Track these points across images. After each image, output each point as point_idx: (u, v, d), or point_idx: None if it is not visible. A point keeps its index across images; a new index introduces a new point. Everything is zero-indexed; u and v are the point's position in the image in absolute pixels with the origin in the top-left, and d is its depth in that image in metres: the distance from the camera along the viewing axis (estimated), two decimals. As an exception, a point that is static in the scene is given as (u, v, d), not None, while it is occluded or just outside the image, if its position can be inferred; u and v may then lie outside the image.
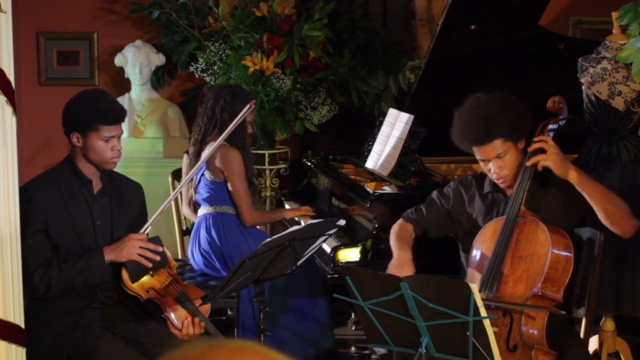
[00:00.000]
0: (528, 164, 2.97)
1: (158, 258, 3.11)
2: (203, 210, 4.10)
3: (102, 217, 3.16)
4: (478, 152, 3.03)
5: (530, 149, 2.99)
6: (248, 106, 3.49)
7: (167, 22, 5.42)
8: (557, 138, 3.23)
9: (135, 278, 3.12)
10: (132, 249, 3.07)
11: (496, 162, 3.00)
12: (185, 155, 4.56)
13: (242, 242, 3.95)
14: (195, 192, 4.13)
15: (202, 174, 4.04)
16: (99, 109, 3.09)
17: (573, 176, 2.92)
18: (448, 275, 3.10)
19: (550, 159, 2.94)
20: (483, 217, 3.12)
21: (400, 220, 3.32)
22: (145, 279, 3.15)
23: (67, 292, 3.04)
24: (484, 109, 2.96)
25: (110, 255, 3.07)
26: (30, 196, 2.99)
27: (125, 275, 3.11)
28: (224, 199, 4.02)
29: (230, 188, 3.99)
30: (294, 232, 3.14)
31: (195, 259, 4.08)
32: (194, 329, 3.14)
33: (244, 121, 3.98)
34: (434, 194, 3.29)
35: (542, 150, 2.97)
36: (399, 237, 3.24)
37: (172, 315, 3.15)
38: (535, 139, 2.99)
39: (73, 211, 3.10)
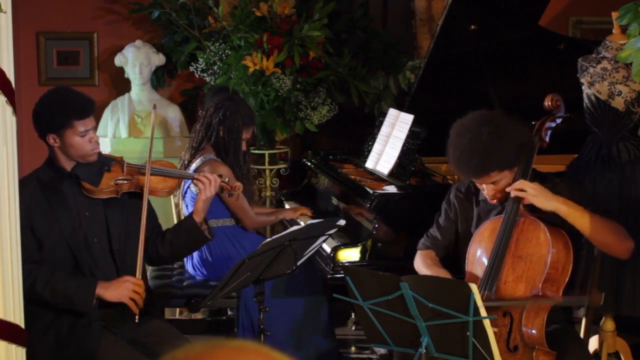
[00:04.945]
0: (512, 195, 2.93)
1: (141, 305, 3.09)
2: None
3: (90, 209, 3.16)
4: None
5: (509, 191, 2.95)
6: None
7: (167, 22, 5.42)
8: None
9: (95, 181, 3.13)
10: (125, 290, 3.06)
11: (489, 186, 3.00)
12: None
13: (233, 251, 3.94)
14: (184, 204, 4.10)
15: (189, 187, 4.00)
16: (70, 105, 3.10)
17: (560, 209, 2.88)
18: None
19: (529, 198, 2.90)
20: (479, 219, 3.12)
21: (418, 253, 3.25)
22: (106, 176, 3.16)
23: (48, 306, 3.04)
24: (481, 144, 2.87)
25: (101, 289, 3.05)
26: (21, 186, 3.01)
27: (88, 186, 3.12)
28: (210, 212, 3.93)
29: (226, 203, 3.97)
30: (294, 232, 3.14)
31: (190, 273, 4.07)
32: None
33: (238, 139, 3.98)
34: (439, 213, 3.27)
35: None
36: (426, 263, 3.18)
37: (155, 187, 3.24)
38: (510, 189, 2.93)
39: (57, 208, 3.10)
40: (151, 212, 3.33)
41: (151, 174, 3.22)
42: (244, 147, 4.05)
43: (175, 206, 4.60)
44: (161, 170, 3.29)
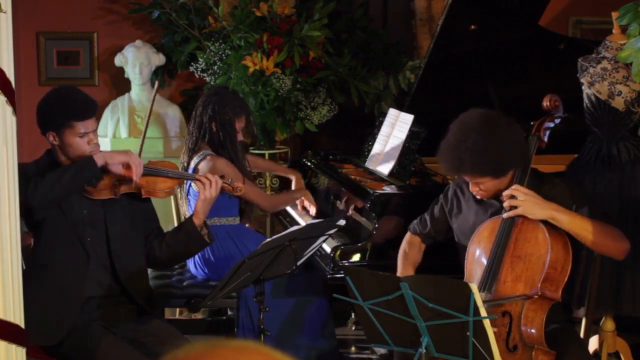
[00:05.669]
0: (504, 216, 2.93)
1: (135, 177, 3.12)
2: None
3: (88, 208, 3.16)
4: None
5: (504, 203, 2.95)
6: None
7: (167, 22, 5.42)
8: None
9: (95, 183, 3.14)
10: (130, 156, 3.11)
11: (472, 184, 3.02)
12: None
13: (235, 251, 3.93)
14: (187, 202, 4.10)
15: (190, 185, 3.99)
16: (71, 106, 3.11)
17: (553, 216, 2.88)
18: (449, 275, 3.10)
19: (522, 209, 2.89)
20: (478, 219, 3.12)
21: (407, 235, 3.35)
22: (105, 177, 3.15)
23: (59, 195, 3.03)
24: (465, 151, 2.89)
25: (103, 154, 3.09)
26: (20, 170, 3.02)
27: (86, 187, 3.12)
28: (213, 211, 3.79)
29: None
30: (294, 232, 3.14)
31: (192, 272, 4.07)
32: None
33: (232, 130, 3.96)
34: (436, 201, 3.29)
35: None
36: (404, 256, 3.27)
37: (153, 188, 3.22)
38: (505, 196, 2.94)
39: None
40: (152, 213, 3.33)
41: (150, 175, 3.22)
42: (241, 137, 4.02)
43: (175, 207, 4.60)
44: (159, 171, 3.28)
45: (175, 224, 4.50)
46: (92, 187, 3.13)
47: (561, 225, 2.89)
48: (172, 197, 4.59)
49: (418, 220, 3.35)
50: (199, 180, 3.30)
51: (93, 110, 3.15)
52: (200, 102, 4.05)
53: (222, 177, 3.36)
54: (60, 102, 3.13)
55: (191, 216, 3.32)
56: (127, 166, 3.12)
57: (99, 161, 3.06)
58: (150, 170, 3.24)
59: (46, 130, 3.13)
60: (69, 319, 3.09)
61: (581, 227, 2.88)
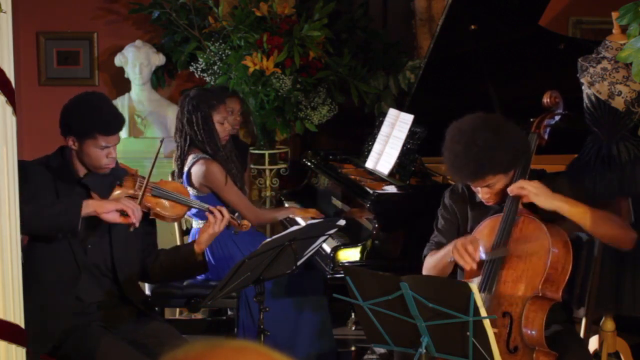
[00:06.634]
0: (511, 193, 2.89)
1: (136, 221, 3.03)
2: (195, 224, 4.09)
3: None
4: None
5: (509, 191, 2.91)
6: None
7: (167, 22, 5.42)
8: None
9: (104, 194, 3.11)
10: (123, 202, 3.01)
11: (484, 189, 2.98)
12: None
13: (234, 252, 3.93)
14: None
15: (189, 187, 3.98)
16: (99, 118, 3.06)
17: (562, 207, 2.85)
18: (450, 275, 3.09)
19: (532, 195, 2.86)
20: (476, 221, 3.10)
21: (425, 260, 3.14)
22: (117, 191, 3.12)
23: (37, 231, 2.98)
24: (475, 150, 2.84)
25: (91, 204, 2.99)
26: (24, 166, 2.99)
27: (96, 197, 3.09)
28: None
29: (223, 200, 3.95)
30: (294, 232, 3.14)
31: None
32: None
33: (207, 125, 3.93)
34: (437, 219, 3.21)
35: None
36: (436, 254, 3.07)
37: (162, 211, 3.19)
38: (511, 188, 2.90)
39: (62, 194, 3.09)
40: (152, 227, 3.29)
41: (160, 197, 3.20)
42: (226, 128, 3.99)
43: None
44: (171, 195, 3.24)
45: (175, 224, 4.50)
46: (102, 198, 3.11)
47: (569, 216, 2.85)
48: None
49: (428, 245, 3.18)
50: (212, 213, 3.25)
51: (119, 127, 3.11)
52: (179, 111, 4.06)
53: (232, 212, 3.31)
54: (90, 111, 3.07)
55: (192, 242, 3.29)
56: (124, 213, 3.03)
57: (87, 209, 2.98)
58: (161, 192, 3.21)
59: (67, 134, 3.10)
60: (60, 326, 3.07)
61: (589, 218, 2.85)
